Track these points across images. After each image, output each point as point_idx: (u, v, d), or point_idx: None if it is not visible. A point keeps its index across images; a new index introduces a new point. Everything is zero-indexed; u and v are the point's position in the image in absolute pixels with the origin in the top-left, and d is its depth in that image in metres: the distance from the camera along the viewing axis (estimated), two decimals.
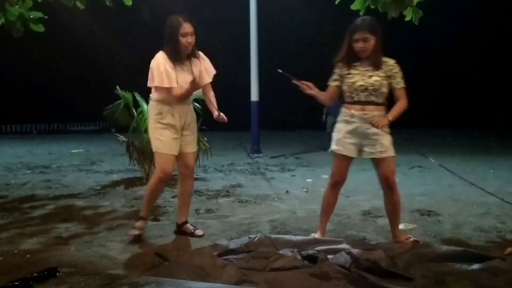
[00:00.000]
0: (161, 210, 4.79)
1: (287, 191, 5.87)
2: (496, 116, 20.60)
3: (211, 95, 3.84)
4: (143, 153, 6.93)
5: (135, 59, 23.77)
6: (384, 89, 3.35)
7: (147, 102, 7.06)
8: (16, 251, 3.38)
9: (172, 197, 5.53)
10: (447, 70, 23.05)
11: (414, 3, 4.37)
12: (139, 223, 3.75)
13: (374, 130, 3.32)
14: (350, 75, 3.39)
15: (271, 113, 19.32)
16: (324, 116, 12.38)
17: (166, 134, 3.60)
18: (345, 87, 3.43)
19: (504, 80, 21.67)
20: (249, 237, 3.23)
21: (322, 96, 3.50)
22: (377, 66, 3.35)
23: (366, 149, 3.43)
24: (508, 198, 5.13)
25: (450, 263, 2.77)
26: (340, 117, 3.52)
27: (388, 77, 3.36)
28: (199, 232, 3.84)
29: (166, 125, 3.61)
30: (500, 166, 8.06)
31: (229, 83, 18.77)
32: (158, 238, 3.73)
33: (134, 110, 7.03)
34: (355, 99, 3.38)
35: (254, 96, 10.39)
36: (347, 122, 3.43)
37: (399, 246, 3.11)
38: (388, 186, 3.59)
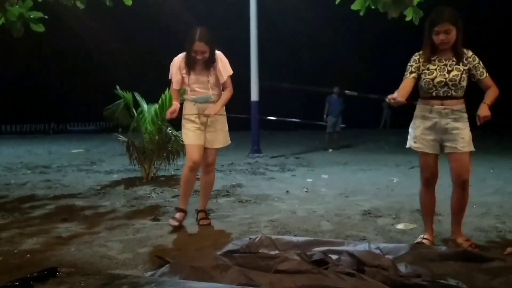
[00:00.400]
0: (161, 210, 4.79)
1: (287, 191, 5.86)
2: (496, 116, 20.58)
3: (223, 94, 4.06)
4: (143, 153, 6.93)
5: (135, 59, 23.88)
6: (464, 83, 3.25)
7: (147, 102, 7.11)
8: (16, 251, 3.38)
9: (172, 197, 5.53)
10: None
11: (415, 3, 4.37)
12: (177, 215, 4.02)
13: (454, 124, 3.24)
14: (429, 71, 3.27)
15: (271, 113, 19.29)
16: (325, 116, 12.37)
17: (188, 127, 4.02)
18: (422, 83, 3.31)
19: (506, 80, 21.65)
20: (250, 238, 3.23)
21: (403, 98, 3.27)
22: (458, 58, 3.23)
23: (448, 143, 3.31)
24: (508, 198, 5.13)
25: (450, 262, 2.76)
26: (416, 113, 3.40)
27: (469, 69, 3.25)
28: (203, 222, 4.12)
29: (187, 119, 4.03)
30: (500, 166, 8.06)
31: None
32: (158, 238, 3.73)
33: (134, 110, 7.03)
34: (434, 94, 3.27)
35: (254, 96, 10.38)
36: (425, 118, 3.31)
37: (399, 247, 3.08)
38: (461, 184, 3.42)
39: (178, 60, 4.00)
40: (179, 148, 7.00)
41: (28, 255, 3.27)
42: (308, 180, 6.90)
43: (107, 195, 5.71)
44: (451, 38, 3.17)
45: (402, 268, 2.65)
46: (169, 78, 4.14)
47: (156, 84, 7.76)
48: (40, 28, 5.44)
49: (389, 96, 3.25)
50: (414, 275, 2.54)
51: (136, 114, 6.99)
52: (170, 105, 6.82)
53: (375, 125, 21.97)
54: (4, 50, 17.25)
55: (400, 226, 4.02)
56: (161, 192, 5.85)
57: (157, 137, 6.90)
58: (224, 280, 2.45)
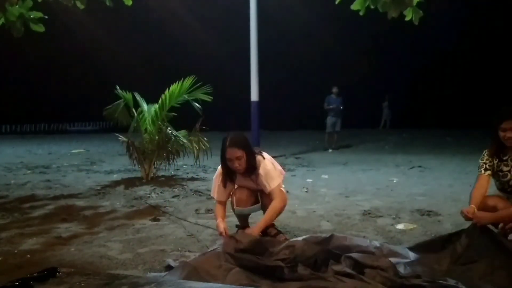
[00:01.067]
0: (161, 210, 4.79)
1: (287, 191, 5.81)
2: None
3: (270, 206, 3.41)
4: (143, 153, 6.93)
5: (136, 59, 23.88)
6: None
7: (147, 102, 7.11)
8: (16, 251, 3.38)
9: (172, 197, 5.53)
10: (446, 71, 23.10)
11: (414, 3, 4.37)
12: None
13: None
14: (502, 173, 3.18)
15: (272, 113, 19.34)
16: (326, 104, 12.32)
17: None
18: (497, 182, 3.25)
19: (502, 81, 21.69)
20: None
21: (481, 215, 2.98)
22: None
23: None
24: None
25: None
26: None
27: None
28: (280, 237, 3.50)
29: None
30: None
31: (229, 83, 18.85)
32: (158, 238, 3.73)
33: (134, 110, 7.03)
34: (509, 190, 3.21)
35: (254, 96, 10.37)
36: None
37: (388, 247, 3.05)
38: None
39: (220, 171, 3.54)
40: (179, 148, 7.01)
41: (28, 255, 3.27)
42: (308, 180, 6.90)
43: (107, 195, 5.71)
44: None
45: (401, 269, 2.65)
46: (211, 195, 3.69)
47: (156, 84, 7.78)
48: (40, 28, 5.44)
49: (465, 211, 2.99)
50: (414, 275, 2.54)
51: (136, 114, 6.99)
52: (170, 105, 6.90)
53: (375, 125, 21.98)
54: (4, 50, 17.25)
55: (400, 226, 4.02)
56: (161, 192, 5.85)
57: (157, 137, 6.90)
58: (226, 280, 2.45)
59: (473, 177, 3.51)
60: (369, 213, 4.55)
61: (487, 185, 3.19)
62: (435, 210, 4.61)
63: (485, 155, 3.23)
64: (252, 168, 3.40)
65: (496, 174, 3.20)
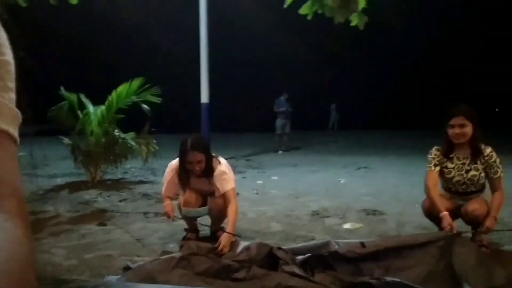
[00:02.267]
0: (108, 215, 4.66)
1: (238, 193, 5.85)
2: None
3: (231, 208, 3.37)
4: (89, 156, 6.72)
5: (82, 60, 23.09)
6: (483, 180, 3.25)
7: (93, 103, 6.91)
8: None
9: (120, 201, 5.40)
10: (392, 74, 23.93)
11: (360, 9, 4.49)
12: None
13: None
14: (447, 169, 3.28)
15: (222, 115, 19.31)
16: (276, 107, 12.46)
17: None
18: (441, 180, 3.35)
19: (446, 83, 22.80)
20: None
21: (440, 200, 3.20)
22: (475, 157, 3.21)
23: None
24: None
25: None
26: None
27: (485, 168, 3.21)
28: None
29: None
30: None
31: (180, 84, 18.63)
32: (104, 243, 3.63)
33: (79, 112, 6.81)
34: (453, 190, 3.32)
35: (204, 98, 10.31)
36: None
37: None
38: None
39: (174, 168, 3.52)
40: (127, 151, 6.86)
41: None
42: (258, 182, 6.95)
43: (51, 200, 5.50)
44: (467, 133, 3.16)
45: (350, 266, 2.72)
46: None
47: (104, 86, 7.56)
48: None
49: (448, 225, 3.01)
50: (362, 274, 2.61)
51: (81, 116, 6.78)
52: (117, 106, 6.74)
53: (324, 127, 22.45)
54: None
55: (347, 226, 4.13)
56: (107, 196, 5.70)
57: (103, 139, 6.72)
58: (181, 283, 2.44)
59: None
60: (318, 214, 4.65)
61: (437, 179, 3.31)
62: (380, 210, 4.78)
63: (434, 150, 3.34)
64: (209, 171, 3.43)
65: (441, 170, 3.32)
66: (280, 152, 12.24)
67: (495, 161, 3.19)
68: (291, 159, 10.45)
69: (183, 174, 3.48)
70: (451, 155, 3.30)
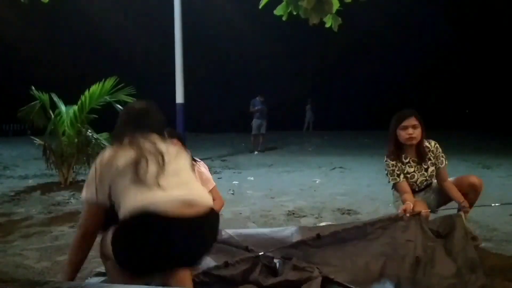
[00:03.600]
0: (79, 217, 4.58)
1: None
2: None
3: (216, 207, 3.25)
4: (61, 156, 6.61)
5: (55, 59, 22.60)
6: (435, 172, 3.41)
7: (65, 103, 6.79)
8: None
9: None
10: (363, 74, 24.25)
11: (334, 11, 4.55)
12: None
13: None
14: (410, 174, 3.35)
15: (198, 116, 19.22)
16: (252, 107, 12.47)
17: None
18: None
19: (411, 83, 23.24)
20: None
21: (412, 199, 3.22)
22: (425, 154, 3.33)
23: None
24: None
25: None
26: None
27: (435, 159, 3.36)
28: None
29: None
30: None
31: (155, 85, 18.45)
32: None
33: (51, 112, 6.69)
34: (416, 189, 3.40)
35: (179, 98, 10.24)
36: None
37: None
38: None
39: None
40: (100, 151, 6.75)
41: None
42: (234, 182, 6.95)
43: (22, 202, 5.38)
44: (419, 134, 3.25)
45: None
46: None
47: (77, 85, 7.44)
48: None
49: (406, 212, 3.01)
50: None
51: (53, 116, 6.65)
52: (90, 106, 6.63)
53: (299, 128, 22.57)
54: None
55: (322, 225, 4.17)
56: (80, 198, 5.60)
57: (76, 140, 6.62)
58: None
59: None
60: (293, 213, 4.68)
61: (408, 187, 3.33)
62: (355, 209, 4.85)
63: (389, 160, 3.34)
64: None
65: (404, 174, 3.35)
66: (256, 152, 12.27)
67: (440, 152, 3.37)
68: (267, 160, 10.49)
69: None
70: (405, 160, 3.35)
